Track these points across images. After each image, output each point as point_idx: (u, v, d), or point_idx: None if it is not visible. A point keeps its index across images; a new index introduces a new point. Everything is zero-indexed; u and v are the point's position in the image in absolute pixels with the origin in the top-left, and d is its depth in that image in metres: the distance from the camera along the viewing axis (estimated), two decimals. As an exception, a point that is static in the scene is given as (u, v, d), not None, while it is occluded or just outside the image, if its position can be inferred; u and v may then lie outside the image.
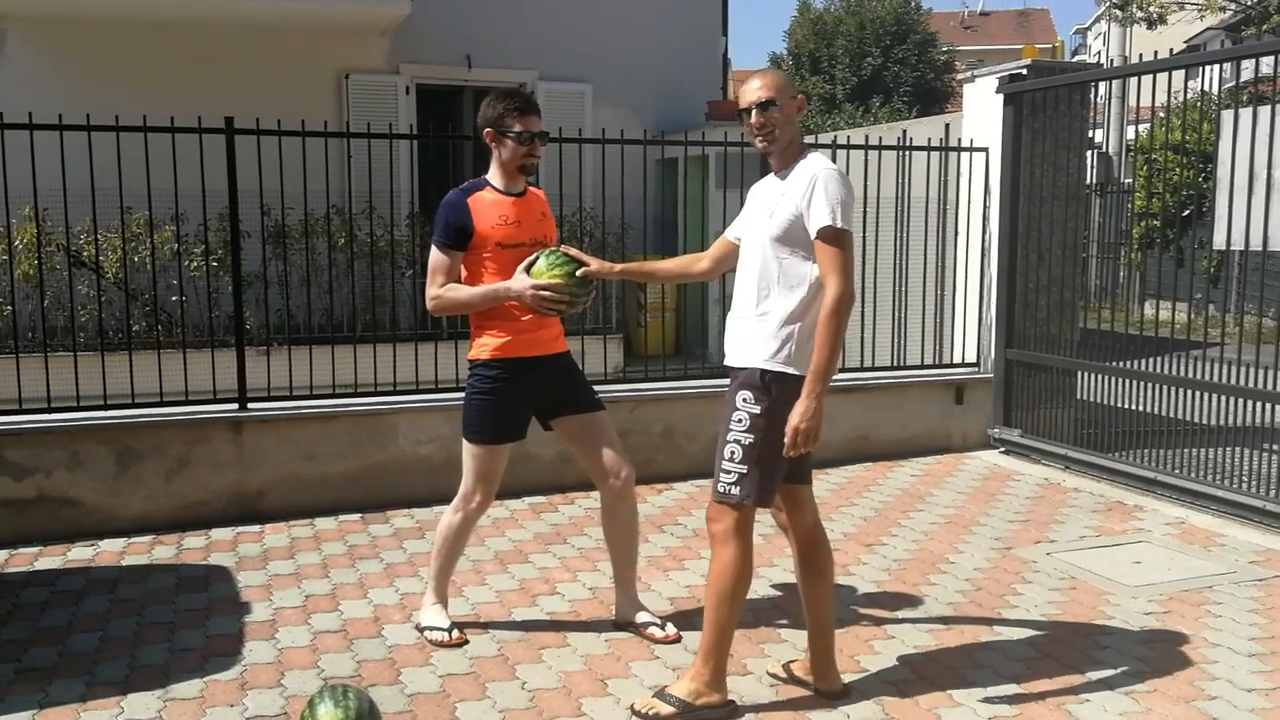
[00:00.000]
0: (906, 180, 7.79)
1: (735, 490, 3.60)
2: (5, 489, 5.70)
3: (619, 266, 4.24)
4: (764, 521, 5.80)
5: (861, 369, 7.73)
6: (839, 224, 3.48)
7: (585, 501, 6.35)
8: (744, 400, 3.59)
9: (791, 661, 4.05)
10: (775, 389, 3.56)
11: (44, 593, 4.95)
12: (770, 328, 3.58)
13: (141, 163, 5.88)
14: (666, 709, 3.66)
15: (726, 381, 3.75)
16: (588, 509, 6.21)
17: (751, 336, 3.62)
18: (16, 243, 8.70)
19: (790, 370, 3.56)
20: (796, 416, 3.46)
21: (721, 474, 3.63)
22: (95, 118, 5.95)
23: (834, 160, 7.43)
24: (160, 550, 5.59)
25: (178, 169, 6.02)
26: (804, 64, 36.18)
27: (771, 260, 3.61)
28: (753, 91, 3.67)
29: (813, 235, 3.51)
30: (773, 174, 3.75)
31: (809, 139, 8.51)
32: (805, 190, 3.54)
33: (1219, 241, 6.32)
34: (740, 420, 3.59)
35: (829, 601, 3.88)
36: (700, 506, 6.30)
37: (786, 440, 3.48)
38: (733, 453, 3.59)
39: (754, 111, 3.65)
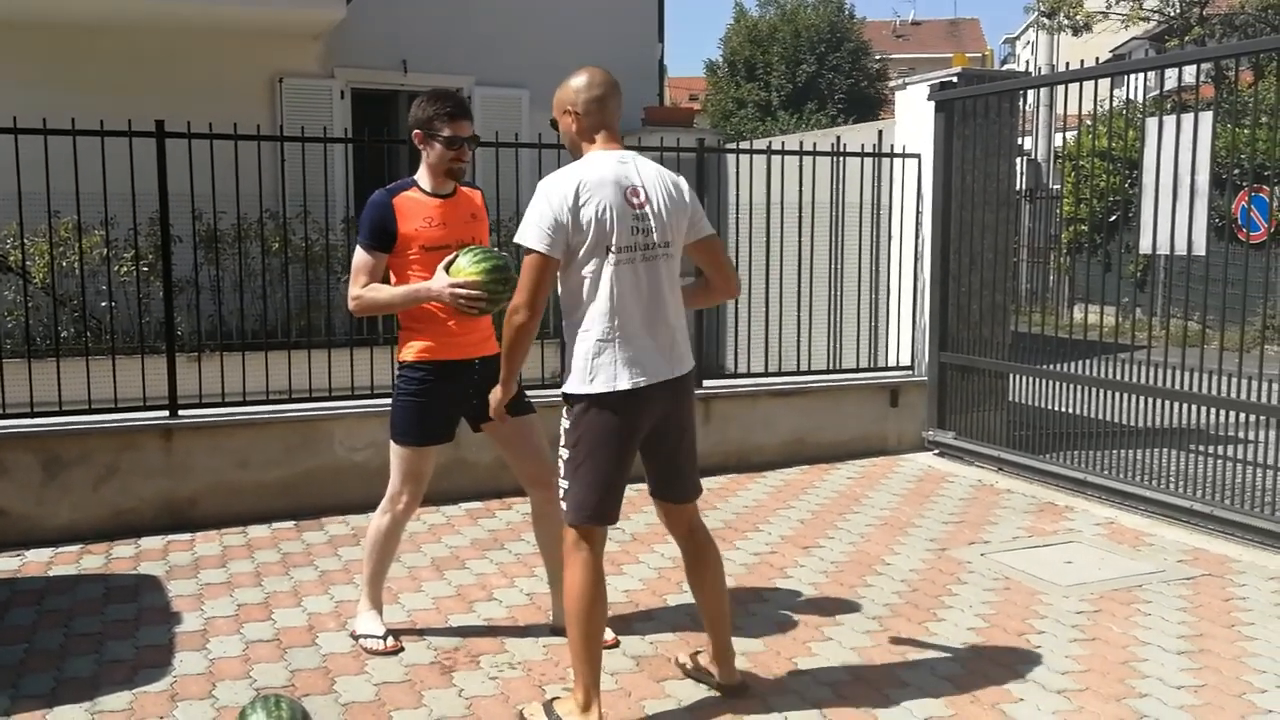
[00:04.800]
0: (841, 186, 7.86)
1: (563, 505, 3.63)
2: (-74, 499, 5.56)
3: None
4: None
5: (798, 372, 7.79)
6: (520, 241, 3.49)
7: (523, 507, 6.32)
8: (563, 416, 3.63)
9: (698, 653, 4.08)
10: (576, 405, 3.57)
11: (-33, 605, 4.83)
12: (573, 347, 3.61)
13: (70, 166, 5.76)
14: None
15: None
16: (525, 514, 6.15)
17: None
18: (-62, 247, 8.49)
19: (578, 389, 3.55)
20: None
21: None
22: (23, 120, 5.83)
23: (768, 166, 7.53)
24: (88, 560, 5.48)
25: (107, 173, 5.91)
26: (739, 70, 36.38)
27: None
28: None
29: None
30: None
31: (744, 145, 8.56)
32: None
33: (1145, 246, 6.44)
34: (561, 437, 3.62)
35: (719, 600, 3.87)
36: (636, 510, 6.29)
37: None
38: (560, 468, 3.63)
39: None
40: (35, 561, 5.46)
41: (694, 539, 3.87)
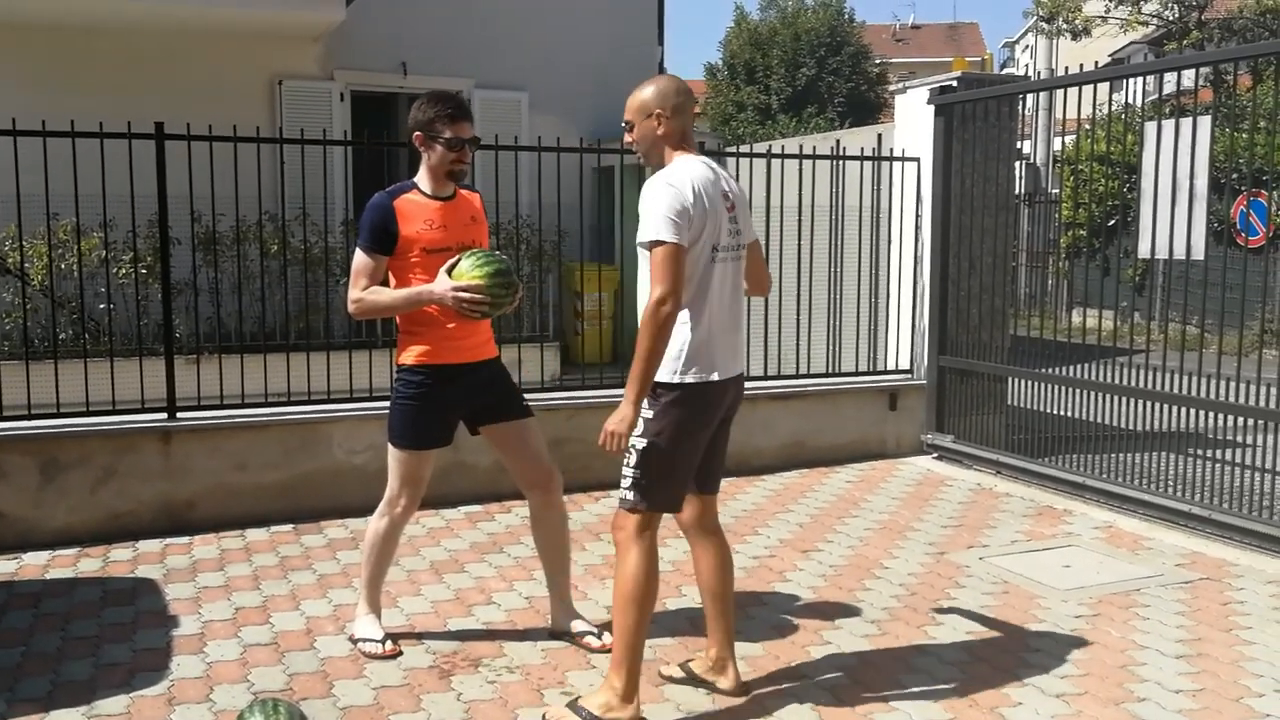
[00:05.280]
0: (840, 189, 7.86)
1: (630, 495, 3.64)
2: (-76, 502, 5.55)
3: None
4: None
5: (797, 376, 7.79)
6: (651, 236, 3.50)
7: (522, 510, 6.30)
8: (643, 407, 3.63)
9: (690, 660, 4.09)
10: (664, 396, 3.59)
11: (-36, 608, 4.82)
12: None
13: (69, 168, 5.76)
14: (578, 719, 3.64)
15: None
16: (524, 518, 6.14)
17: None
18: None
19: (671, 379, 3.58)
20: (611, 417, 3.52)
21: (621, 479, 3.67)
22: (22, 122, 5.83)
23: (768, 170, 7.53)
24: (86, 563, 5.47)
25: (106, 174, 5.91)
26: (739, 74, 36.42)
27: (646, 273, 3.65)
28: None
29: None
30: None
31: (744, 148, 8.56)
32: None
33: (1143, 250, 6.44)
34: (637, 426, 3.63)
35: (727, 599, 3.97)
36: (637, 514, 6.30)
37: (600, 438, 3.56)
38: (628, 459, 3.64)
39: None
40: (32, 564, 5.45)
41: (715, 535, 3.95)
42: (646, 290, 3.57)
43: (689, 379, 3.60)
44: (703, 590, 3.97)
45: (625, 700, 3.62)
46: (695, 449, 3.71)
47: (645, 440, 3.61)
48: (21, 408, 5.89)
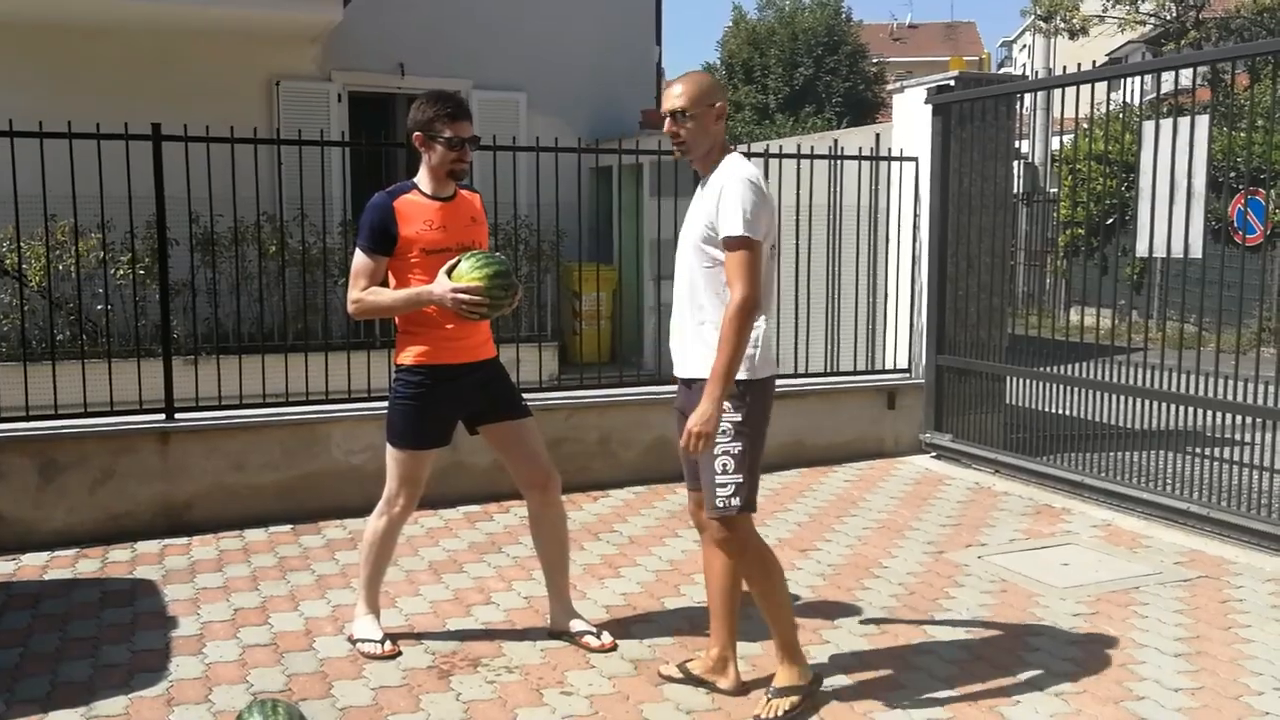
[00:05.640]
0: (838, 189, 7.86)
1: (736, 500, 3.63)
2: (-78, 503, 5.54)
3: None
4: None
5: (796, 375, 7.78)
6: (741, 231, 3.49)
7: (520, 510, 6.30)
8: (728, 410, 3.58)
9: (689, 661, 4.09)
10: (747, 394, 3.58)
11: (-37, 609, 4.82)
12: (712, 337, 3.57)
13: (66, 169, 5.76)
14: (792, 699, 3.72)
15: (663, 388, 3.78)
16: (523, 517, 6.14)
17: (702, 347, 3.62)
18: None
19: (751, 376, 3.59)
20: (693, 419, 3.49)
21: (717, 489, 3.63)
22: (19, 123, 5.82)
23: (766, 169, 7.53)
24: (84, 564, 5.47)
25: (104, 175, 5.90)
26: (737, 73, 36.44)
27: (698, 269, 3.64)
28: (669, 98, 3.72)
29: (720, 243, 3.55)
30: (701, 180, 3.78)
31: (741, 148, 8.55)
32: (715, 198, 3.58)
33: (1141, 249, 6.44)
34: (725, 431, 3.58)
35: (735, 599, 3.96)
36: (634, 513, 6.30)
37: (682, 442, 3.52)
38: (725, 465, 3.61)
39: (668, 119, 3.71)
40: (31, 565, 5.45)
41: None
42: (707, 284, 3.59)
43: (763, 373, 3.64)
44: (713, 589, 3.94)
45: (808, 671, 3.84)
46: (764, 440, 3.76)
47: (741, 443, 3.60)
48: (19, 409, 5.89)
